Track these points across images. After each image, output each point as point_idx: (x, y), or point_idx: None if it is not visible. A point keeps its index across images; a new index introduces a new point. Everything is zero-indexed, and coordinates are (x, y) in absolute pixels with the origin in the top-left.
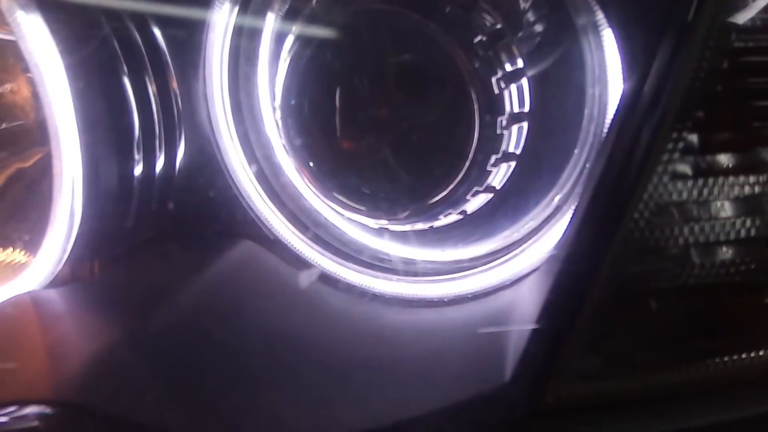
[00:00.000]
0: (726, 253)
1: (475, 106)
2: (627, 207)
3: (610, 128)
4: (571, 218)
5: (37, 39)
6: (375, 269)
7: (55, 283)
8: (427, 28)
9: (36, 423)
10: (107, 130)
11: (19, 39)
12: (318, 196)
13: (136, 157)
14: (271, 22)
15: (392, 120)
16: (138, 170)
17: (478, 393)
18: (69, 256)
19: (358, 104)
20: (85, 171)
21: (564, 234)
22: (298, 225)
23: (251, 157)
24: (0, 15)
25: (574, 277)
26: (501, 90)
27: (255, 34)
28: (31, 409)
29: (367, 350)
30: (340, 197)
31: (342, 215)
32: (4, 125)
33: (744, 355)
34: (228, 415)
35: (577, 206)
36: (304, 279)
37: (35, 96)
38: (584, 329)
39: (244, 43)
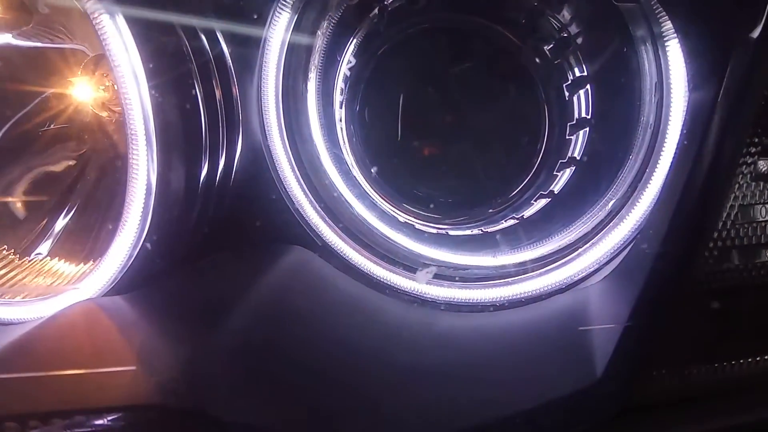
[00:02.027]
0: None
1: (546, 112)
2: (716, 208)
3: (685, 136)
4: (651, 220)
5: (122, 50)
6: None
7: (120, 289)
8: (498, 35)
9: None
10: (179, 136)
11: (105, 47)
12: (373, 202)
13: (203, 162)
14: (328, 30)
15: (458, 126)
16: (203, 175)
17: (569, 391)
18: (135, 261)
19: (423, 111)
20: (159, 177)
21: (646, 235)
22: (346, 232)
23: (301, 165)
24: (45, 22)
25: (668, 276)
26: (570, 96)
27: (309, 43)
28: (116, 415)
29: (433, 355)
30: (401, 202)
31: (391, 224)
32: (52, 126)
33: None
34: (323, 413)
35: (659, 209)
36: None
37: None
38: (677, 325)
39: (298, 51)
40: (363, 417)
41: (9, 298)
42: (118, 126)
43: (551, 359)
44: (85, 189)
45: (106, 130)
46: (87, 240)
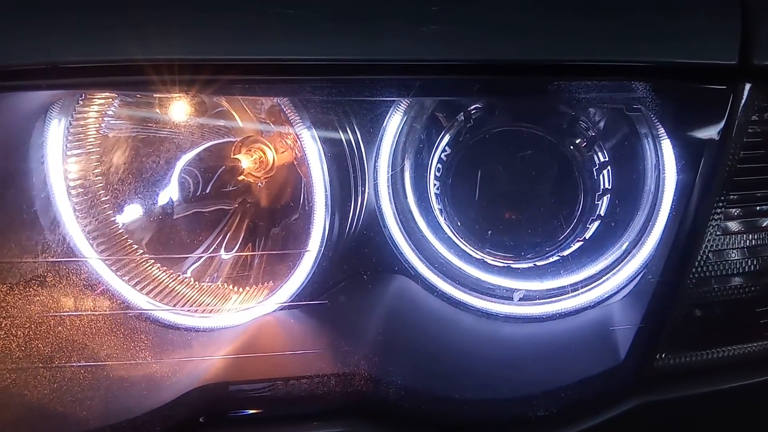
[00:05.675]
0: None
1: (582, 187)
2: (695, 250)
3: (675, 202)
4: (650, 260)
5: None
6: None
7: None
8: (547, 135)
9: None
10: (340, 197)
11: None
12: (454, 245)
13: (349, 217)
14: (424, 127)
15: (520, 193)
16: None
17: (602, 369)
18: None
19: (495, 182)
20: (329, 225)
21: (649, 270)
22: (433, 266)
23: (401, 219)
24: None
25: (666, 294)
26: (597, 175)
27: (410, 135)
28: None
29: (502, 350)
30: (478, 244)
31: (466, 260)
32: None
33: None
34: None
35: (659, 251)
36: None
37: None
38: (671, 326)
39: (403, 140)
40: (462, 382)
41: (207, 313)
42: (257, 189)
43: (587, 350)
44: (238, 233)
45: (251, 191)
46: (244, 270)
